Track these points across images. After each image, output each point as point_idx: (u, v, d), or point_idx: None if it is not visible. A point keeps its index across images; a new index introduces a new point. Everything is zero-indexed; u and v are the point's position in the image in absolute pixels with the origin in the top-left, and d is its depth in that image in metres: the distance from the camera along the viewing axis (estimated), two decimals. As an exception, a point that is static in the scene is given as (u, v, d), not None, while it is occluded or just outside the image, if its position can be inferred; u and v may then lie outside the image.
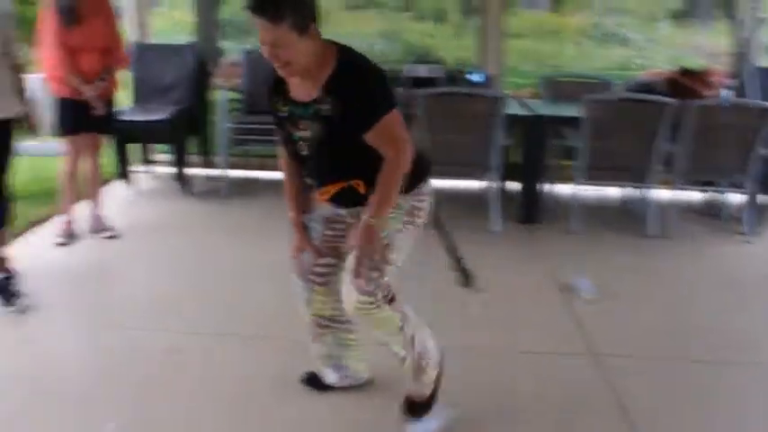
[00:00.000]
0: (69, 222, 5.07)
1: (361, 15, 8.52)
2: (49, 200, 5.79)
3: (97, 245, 5.06)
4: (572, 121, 5.42)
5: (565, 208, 5.70)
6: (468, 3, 8.27)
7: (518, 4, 8.74)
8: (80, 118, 4.84)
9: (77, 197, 5.15)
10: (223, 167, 6.24)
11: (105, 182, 5.69)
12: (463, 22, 8.47)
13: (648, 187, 5.57)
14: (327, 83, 2.46)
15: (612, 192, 6.33)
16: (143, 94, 6.44)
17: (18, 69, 3.98)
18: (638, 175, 5.47)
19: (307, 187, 2.80)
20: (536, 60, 8.89)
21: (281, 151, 2.79)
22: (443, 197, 5.97)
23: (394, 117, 2.49)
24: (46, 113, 4.49)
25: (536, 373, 3.44)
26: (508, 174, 5.85)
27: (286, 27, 2.33)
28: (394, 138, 2.49)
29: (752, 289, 4.57)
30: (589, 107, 5.24)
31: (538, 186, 5.75)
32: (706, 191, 6.11)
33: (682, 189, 5.62)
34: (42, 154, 6.16)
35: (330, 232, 2.84)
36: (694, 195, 6.19)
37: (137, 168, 6.70)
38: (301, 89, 2.53)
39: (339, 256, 2.80)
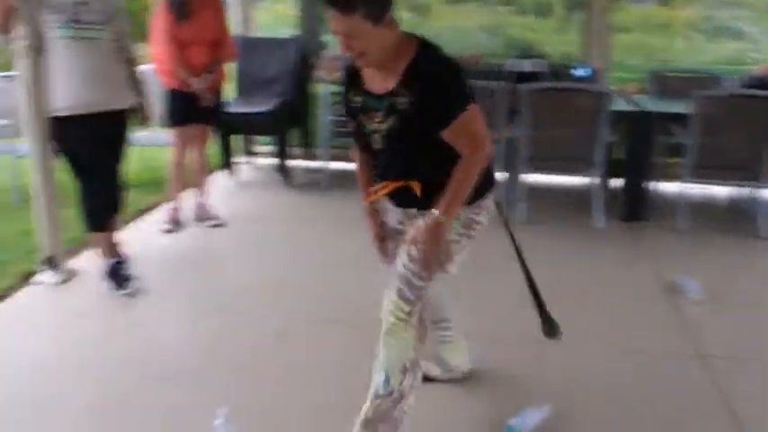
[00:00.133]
0: (176, 210, 5.23)
1: (462, 9, 8.47)
2: (157, 189, 6.00)
3: (202, 232, 5.21)
4: (680, 118, 5.26)
5: (670, 206, 5.55)
6: (572, -3, 8.14)
7: (625, -3, 8.53)
8: (188, 109, 4.99)
9: (184, 186, 5.31)
10: (324, 159, 6.32)
11: (210, 172, 5.83)
12: (567, 17, 8.33)
13: (761, 186, 5.36)
14: (404, 75, 2.36)
15: (720, 190, 6.11)
16: (246, 87, 6.58)
17: (132, 62, 4.14)
18: (749, 174, 5.26)
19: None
20: (643, 55, 8.67)
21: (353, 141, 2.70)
22: (545, 193, 6.01)
23: (472, 112, 2.37)
24: (156, 105, 4.64)
25: (639, 373, 3.36)
26: (612, 170, 5.73)
27: (359, 17, 2.23)
28: (471, 134, 2.38)
29: None
30: (699, 103, 5.07)
31: (643, 184, 5.60)
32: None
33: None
34: (152, 144, 6.35)
35: (392, 245, 2.73)
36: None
37: (239, 159, 6.86)
38: (377, 80, 2.43)
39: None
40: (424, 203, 2.46)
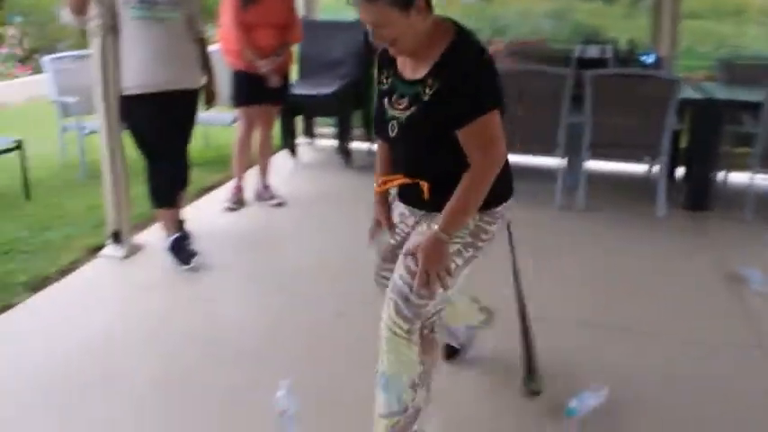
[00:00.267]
0: (239, 189, 5.31)
1: (529, -6, 8.41)
2: (220, 168, 6.11)
3: (263, 212, 5.28)
4: (750, 107, 5.13)
5: (736, 196, 5.43)
6: (641, -18, 7.99)
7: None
8: (254, 90, 5.04)
9: (248, 166, 5.38)
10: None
11: (273, 153, 5.89)
12: (635, 2, 8.19)
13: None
14: (436, 65, 2.24)
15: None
16: (310, 69, 6.62)
17: (202, 43, 4.21)
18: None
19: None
20: (713, 41, 8.47)
21: None
22: (607, 180, 5.94)
23: (494, 118, 2.22)
24: (222, 85, 4.70)
25: (699, 363, 3.31)
26: (677, 158, 5.64)
27: (385, 4, 2.13)
28: (487, 141, 2.24)
29: None
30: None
31: (708, 173, 5.49)
32: None
33: None
34: (217, 124, 6.46)
35: (403, 227, 2.62)
36: None
37: (300, 141, 6.92)
38: (409, 66, 2.33)
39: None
40: (431, 205, 2.38)
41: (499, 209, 2.43)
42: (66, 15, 4.06)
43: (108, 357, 3.30)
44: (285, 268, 4.30)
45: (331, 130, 7.03)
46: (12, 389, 3.02)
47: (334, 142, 6.70)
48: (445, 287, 2.31)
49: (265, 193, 5.40)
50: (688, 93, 5.39)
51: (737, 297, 3.96)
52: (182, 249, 4.19)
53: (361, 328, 3.52)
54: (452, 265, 2.33)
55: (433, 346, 2.43)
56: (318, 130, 7.27)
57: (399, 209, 2.61)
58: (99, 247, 4.44)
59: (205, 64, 4.24)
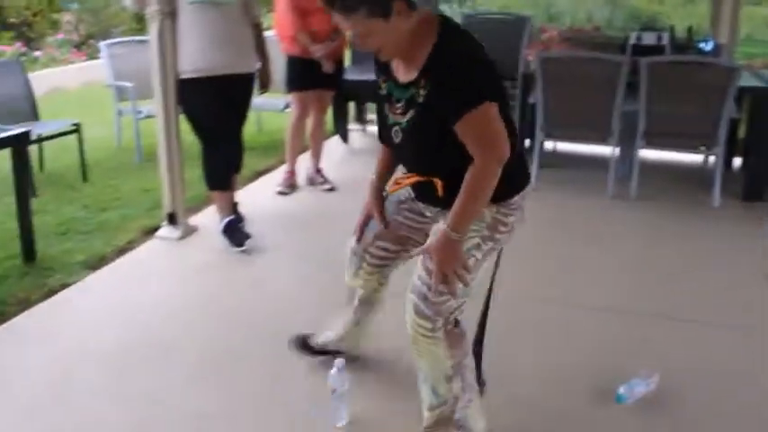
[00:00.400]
0: (291, 174, 5.35)
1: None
2: (273, 152, 6.17)
3: (315, 196, 5.32)
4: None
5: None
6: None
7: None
8: (308, 76, 5.07)
9: (300, 151, 5.42)
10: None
11: (325, 138, 5.92)
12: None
13: None
14: (426, 64, 2.17)
15: None
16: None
17: (258, 28, 4.25)
18: None
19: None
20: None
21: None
22: (660, 170, 5.86)
23: (488, 112, 2.13)
24: (276, 70, 4.73)
25: (750, 352, 3.27)
26: (734, 148, 5.54)
27: (363, 15, 2.07)
28: (485, 137, 2.16)
29: None
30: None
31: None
32: None
33: None
34: (270, 109, 6.51)
35: (400, 219, 2.59)
36: None
37: (352, 126, 6.94)
38: (401, 68, 2.27)
39: (402, 243, 2.62)
40: (446, 202, 2.30)
41: (515, 199, 2.36)
42: (126, 0, 4.13)
43: (163, 333, 3.37)
44: (336, 250, 4.30)
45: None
46: (72, 360, 3.10)
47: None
48: (465, 283, 2.27)
49: (317, 178, 5.44)
50: (747, 80, 5.29)
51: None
52: (235, 231, 4.24)
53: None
54: (472, 260, 2.30)
55: (460, 339, 2.37)
56: (370, 116, 7.29)
57: (401, 198, 2.60)
58: (154, 229, 4.52)
59: (260, 49, 4.28)
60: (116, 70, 6.23)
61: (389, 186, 2.57)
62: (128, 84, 6.03)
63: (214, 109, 4.09)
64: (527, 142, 5.76)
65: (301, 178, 5.43)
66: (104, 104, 7.07)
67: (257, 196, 5.19)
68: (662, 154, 5.91)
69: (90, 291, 3.81)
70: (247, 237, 4.21)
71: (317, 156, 5.47)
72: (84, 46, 11.04)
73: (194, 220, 4.65)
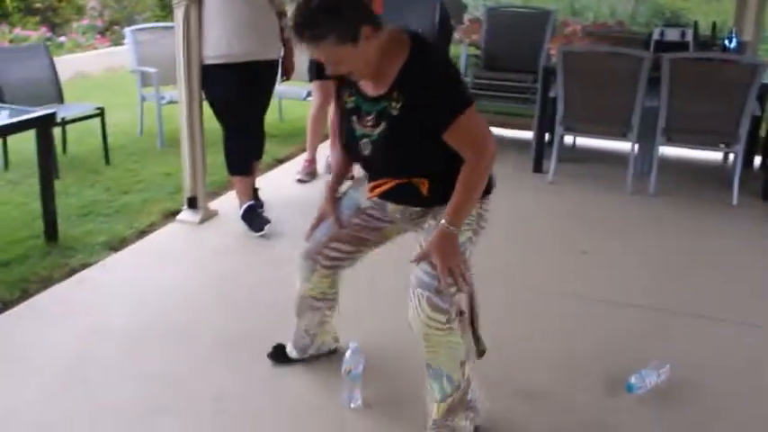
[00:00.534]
0: (311, 162, 5.39)
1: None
2: (293, 140, 6.21)
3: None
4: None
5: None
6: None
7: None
8: (329, 64, 5.08)
9: (321, 139, 5.45)
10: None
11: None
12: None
13: None
14: (397, 79, 2.22)
15: None
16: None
17: (282, 15, 4.28)
18: None
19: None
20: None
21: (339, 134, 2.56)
22: (680, 167, 5.85)
23: (469, 116, 2.22)
24: (299, 60, 4.76)
25: (762, 347, 3.29)
26: (754, 147, 5.52)
27: (332, 43, 2.11)
28: (473, 138, 2.24)
29: None
30: None
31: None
32: None
33: None
34: (291, 97, 6.55)
35: (358, 221, 2.59)
36: None
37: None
38: (370, 83, 2.30)
39: (357, 245, 2.63)
40: (430, 201, 2.38)
41: (491, 195, 2.46)
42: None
43: (181, 314, 3.42)
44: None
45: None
46: (92, 339, 3.16)
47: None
48: (466, 279, 2.31)
49: (336, 167, 5.45)
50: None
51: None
52: (255, 217, 4.28)
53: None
54: (467, 253, 2.36)
55: (466, 323, 2.42)
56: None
57: (362, 204, 2.58)
58: (175, 212, 4.57)
59: (284, 37, 4.31)
60: (140, 56, 6.28)
61: (367, 194, 2.54)
62: (152, 69, 6.08)
63: (237, 95, 4.13)
64: (546, 136, 5.77)
65: (321, 166, 5.46)
66: (127, 90, 7.13)
67: (277, 183, 5.23)
68: (681, 151, 5.89)
69: (111, 271, 3.86)
70: (267, 222, 4.24)
71: (337, 144, 5.49)
72: (109, 32, 11.11)
73: (214, 204, 4.70)
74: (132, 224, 4.44)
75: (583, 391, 2.89)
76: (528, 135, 6.15)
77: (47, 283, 3.68)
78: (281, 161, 5.81)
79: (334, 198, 2.66)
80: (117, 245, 4.16)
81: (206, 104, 4.31)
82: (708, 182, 5.62)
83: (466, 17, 6.87)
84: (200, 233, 4.37)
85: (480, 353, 2.51)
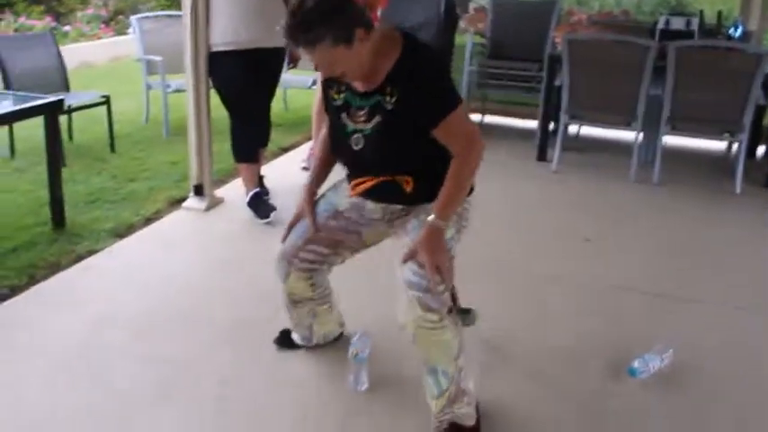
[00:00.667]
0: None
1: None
2: (298, 129, 6.23)
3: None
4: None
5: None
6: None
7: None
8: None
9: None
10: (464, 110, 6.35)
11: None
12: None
13: None
14: (390, 74, 2.25)
15: None
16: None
17: (287, 3, 4.28)
18: None
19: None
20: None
21: (324, 130, 2.63)
22: (684, 156, 5.86)
23: (460, 113, 2.26)
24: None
25: (763, 331, 3.33)
26: (758, 136, 5.53)
27: (327, 45, 2.12)
28: (462, 133, 2.28)
29: None
30: None
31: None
32: None
33: None
34: (296, 86, 6.56)
35: (335, 223, 2.60)
36: None
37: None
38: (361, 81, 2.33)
39: (333, 247, 2.63)
40: (413, 198, 2.40)
41: (473, 194, 2.47)
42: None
43: (188, 299, 3.44)
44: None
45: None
46: (100, 324, 3.18)
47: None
48: (452, 275, 2.32)
49: (341, 155, 5.47)
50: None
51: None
52: (261, 204, 4.30)
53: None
54: (452, 251, 2.36)
55: (456, 319, 2.40)
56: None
57: (340, 206, 2.58)
58: (181, 200, 4.59)
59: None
60: (146, 44, 6.29)
61: (350, 192, 2.54)
62: (157, 58, 6.09)
63: (244, 82, 4.14)
64: (551, 125, 5.78)
65: (326, 155, 5.48)
66: (132, 79, 7.14)
67: (282, 171, 5.24)
68: (685, 140, 5.91)
69: (117, 257, 3.88)
70: (273, 209, 4.26)
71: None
72: (113, 22, 11.13)
73: (220, 192, 4.73)
74: (139, 211, 4.46)
75: (586, 375, 2.91)
76: (532, 124, 6.17)
77: (54, 269, 3.70)
78: (285, 149, 5.83)
79: (312, 199, 2.65)
80: (123, 232, 4.19)
81: (213, 93, 4.33)
82: (711, 171, 5.63)
83: (471, 6, 6.87)
84: (206, 220, 4.39)
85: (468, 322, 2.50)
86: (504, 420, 2.60)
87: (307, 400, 2.72)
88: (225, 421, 2.59)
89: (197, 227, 4.33)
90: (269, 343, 3.03)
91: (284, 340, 3.03)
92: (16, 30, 9.27)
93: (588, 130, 6.26)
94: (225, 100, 4.27)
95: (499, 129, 6.52)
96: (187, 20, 4.14)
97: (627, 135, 5.62)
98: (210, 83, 4.30)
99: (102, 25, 10.86)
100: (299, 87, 6.57)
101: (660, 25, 5.54)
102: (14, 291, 3.46)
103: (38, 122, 4.17)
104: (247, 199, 4.34)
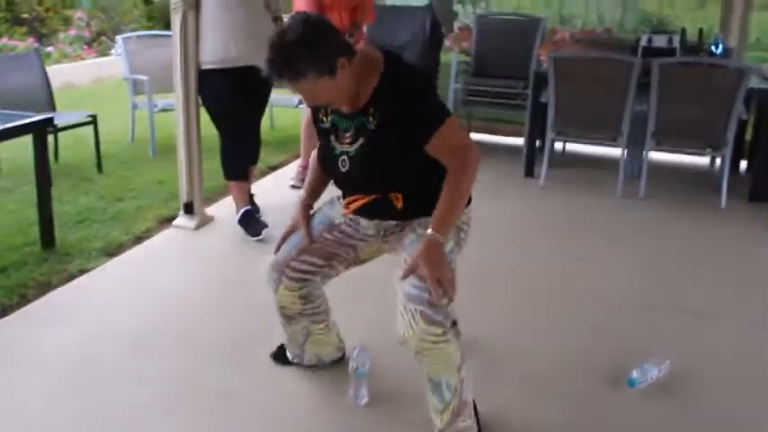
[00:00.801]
0: (305, 168, 5.40)
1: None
2: (285, 148, 6.25)
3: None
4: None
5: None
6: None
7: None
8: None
9: (314, 145, 5.45)
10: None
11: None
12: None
13: None
14: (374, 96, 2.26)
15: None
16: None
17: (278, 21, 4.31)
18: None
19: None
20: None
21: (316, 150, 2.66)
22: (668, 171, 5.92)
23: (450, 125, 2.26)
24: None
25: (752, 341, 3.36)
26: (740, 151, 5.62)
27: (312, 78, 2.14)
28: (456, 147, 2.27)
29: None
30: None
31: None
32: None
33: None
34: (283, 105, 6.57)
35: (329, 236, 2.60)
36: None
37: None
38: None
39: (327, 259, 2.62)
40: (405, 214, 2.41)
41: (470, 206, 2.47)
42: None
43: (183, 316, 3.44)
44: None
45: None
46: (96, 343, 3.17)
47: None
48: (454, 288, 2.29)
49: (329, 173, 5.49)
50: (754, 83, 5.34)
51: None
52: (252, 221, 4.30)
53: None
54: (453, 264, 2.35)
55: (459, 331, 2.37)
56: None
57: (335, 220, 2.61)
58: (170, 219, 4.59)
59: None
60: (132, 64, 6.29)
61: (343, 210, 2.56)
62: (143, 77, 6.09)
63: (233, 100, 4.16)
64: (537, 142, 5.83)
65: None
66: (117, 100, 7.14)
67: (271, 189, 5.25)
68: (670, 156, 5.98)
69: (109, 276, 3.87)
70: (264, 226, 4.27)
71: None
72: (95, 43, 11.10)
73: (210, 210, 4.72)
74: (128, 230, 4.45)
75: (585, 385, 2.94)
76: (518, 141, 6.21)
77: (45, 288, 3.68)
78: (273, 168, 5.84)
79: (307, 212, 2.66)
80: (114, 250, 4.17)
81: (202, 111, 4.34)
82: (696, 186, 5.69)
83: (456, 25, 6.93)
84: (197, 238, 4.38)
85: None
86: (505, 429, 2.62)
87: (307, 414, 2.72)
88: (226, 437, 2.58)
89: (188, 245, 4.32)
90: (266, 358, 3.03)
91: (281, 356, 3.02)
92: (-2, 50, 9.24)
93: (574, 147, 6.32)
94: (214, 118, 4.28)
95: (485, 146, 6.48)
96: (177, 38, 4.15)
97: (611, 151, 5.68)
98: (200, 101, 4.31)
99: (85, 46, 10.83)
100: (285, 106, 6.58)
101: (643, 43, 5.61)
102: (6, 311, 3.45)
103: (22, 142, 4.16)
104: (238, 217, 4.34)
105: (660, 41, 5.63)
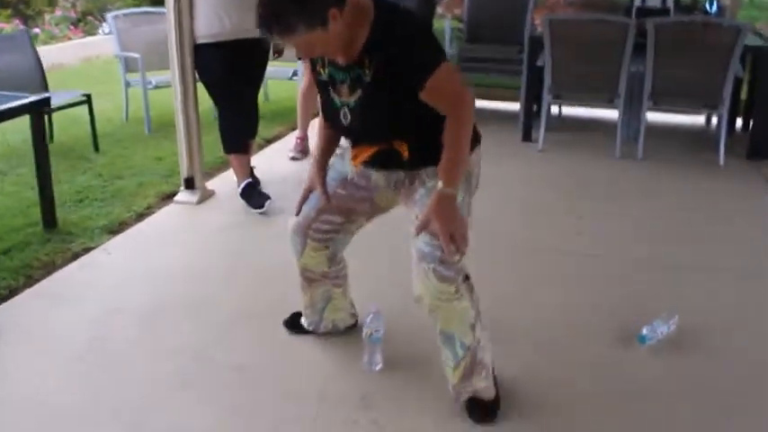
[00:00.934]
0: (303, 140, 5.40)
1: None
2: (281, 120, 6.22)
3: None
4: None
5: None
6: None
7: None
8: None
9: (311, 116, 5.46)
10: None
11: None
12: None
13: None
14: (366, 45, 2.21)
15: None
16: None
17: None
18: None
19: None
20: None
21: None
22: (666, 131, 5.93)
23: (445, 71, 2.20)
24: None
25: (756, 294, 3.41)
26: (736, 110, 5.63)
27: (303, 32, 2.09)
28: (450, 93, 2.22)
29: None
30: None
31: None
32: None
33: None
34: (277, 77, 6.55)
35: (344, 192, 2.60)
36: None
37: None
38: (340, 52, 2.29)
39: (347, 215, 2.63)
40: (411, 163, 2.38)
41: (474, 155, 2.41)
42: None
43: (192, 290, 3.43)
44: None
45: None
46: (107, 320, 3.17)
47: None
48: (467, 241, 2.26)
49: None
50: (750, 40, 5.34)
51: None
52: (254, 194, 4.30)
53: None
54: (466, 214, 2.34)
55: (473, 286, 2.38)
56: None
57: (346, 174, 2.59)
58: (171, 195, 4.57)
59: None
60: (123, 42, 6.23)
61: (351, 164, 2.55)
62: (136, 55, 6.04)
63: (230, 73, 4.13)
64: (534, 107, 5.83)
65: (313, 144, 5.47)
66: (107, 79, 7.09)
67: (270, 162, 5.22)
68: (666, 117, 5.99)
69: (114, 253, 3.85)
70: (267, 198, 4.25)
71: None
72: (82, 23, 10.99)
73: (211, 184, 4.71)
74: (130, 207, 4.43)
75: (596, 343, 2.96)
76: (514, 106, 6.20)
77: (50, 268, 3.67)
78: (270, 141, 5.82)
79: (322, 172, 2.64)
80: (117, 228, 4.16)
81: (198, 86, 4.31)
82: (693, 145, 5.72)
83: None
84: (199, 213, 4.38)
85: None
86: (521, 391, 2.63)
87: (322, 382, 2.72)
88: (246, 406, 2.59)
89: (191, 219, 4.31)
90: (278, 328, 3.04)
91: (294, 324, 3.03)
92: (-16, 33, 9.14)
93: (569, 111, 6.32)
94: (212, 92, 4.26)
95: (482, 112, 6.52)
96: (171, 14, 4.12)
97: (609, 114, 5.68)
98: (196, 76, 4.29)
99: (72, 26, 10.72)
100: (279, 79, 6.55)
101: (636, 3, 5.60)
102: (12, 292, 3.42)
103: (12, 125, 4.11)
104: (240, 189, 4.33)
105: (654, 1, 5.61)
